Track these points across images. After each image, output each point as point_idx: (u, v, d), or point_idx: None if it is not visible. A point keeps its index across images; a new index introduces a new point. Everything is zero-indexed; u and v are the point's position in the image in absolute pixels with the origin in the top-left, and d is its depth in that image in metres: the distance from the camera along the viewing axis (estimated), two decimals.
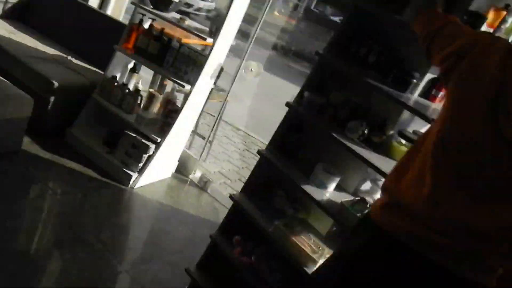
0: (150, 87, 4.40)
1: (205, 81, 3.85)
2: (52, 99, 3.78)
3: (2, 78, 3.47)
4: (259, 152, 2.85)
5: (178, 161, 4.34)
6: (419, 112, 2.34)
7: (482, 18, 2.37)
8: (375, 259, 1.72)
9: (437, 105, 2.62)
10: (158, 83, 4.52)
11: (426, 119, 2.31)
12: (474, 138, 1.54)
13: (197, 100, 3.95)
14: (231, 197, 2.91)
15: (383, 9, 2.54)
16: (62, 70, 3.99)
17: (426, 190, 1.59)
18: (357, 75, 2.58)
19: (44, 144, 3.84)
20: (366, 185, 2.82)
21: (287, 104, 2.77)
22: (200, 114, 4.28)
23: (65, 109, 3.96)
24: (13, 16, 4.76)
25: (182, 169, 4.43)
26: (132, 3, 3.95)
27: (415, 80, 2.53)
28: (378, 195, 2.72)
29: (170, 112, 3.92)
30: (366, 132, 2.60)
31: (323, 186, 2.70)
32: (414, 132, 2.68)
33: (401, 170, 1.75)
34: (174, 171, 4.35)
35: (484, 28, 2.48)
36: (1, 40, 4.08)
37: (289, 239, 2.68)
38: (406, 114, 2.62)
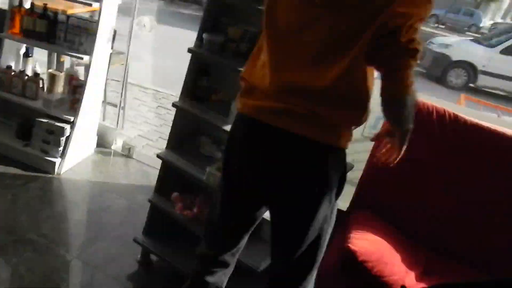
0: (49, 68, 4.22)
1: (102, 47, 3.71)
2: None
3: None
4: (173, 104, 2.80)
5: (97, 135, 4.23)
6: None
7: None
8: (240, 142, 1.83)
9: None
10: (55, 62, 4.33)
11: None
12: (291, 6, 1.63)
13: (99, 69, 3.82)
14: (158, 156, 2.87)
15: None
16: None
17: (266, 66, 1.70)
18: (245, 2, 2.55)
19: None
20: None
21: (189, 50, 2.72)
22: (106, 82, 4.14)
23: None
24: None
25: (102, 142, 4.34)
26: None
27: None
28: None
29: (76, 88, 3.79)
30: None
31: None
32: None
33: (254, 57, 1.83)
34: (95, 147, 4.25)
35: None
36: None
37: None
38: None
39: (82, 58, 3.60)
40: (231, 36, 2.71)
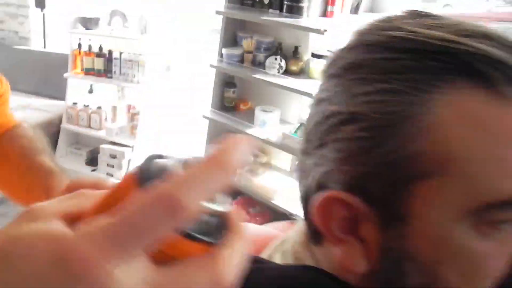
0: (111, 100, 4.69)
1: (154, 75, 4.12)
2: None
3: None
4: (205, 117, 3.11)
5: None
6: (309, 28, 2.59)
7: None
8: None
9: (332, 19, 2.87)
10: (119, 94, 4.80)
11: (319, 31, 2.56)
12: None
13: (154, 97, 4.22)
14: None
15: None
16: (27, 113, 4.28)
17: None
18: (255, 18, 2.84)
19: None
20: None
21: (211, 65, 3.03)
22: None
23: None
24: None
25: None
26: (70, 31, 4.23)
27: (305, 4, 2.77)
28: None
29: (134, 116, 4.20)
30: (282, 64, 2.85)
31: (265, 125, 2.96)
32: (328, 50, 2.92)
33: None
34: None
35: None
36: None
37: (253, 182, 2.95)
38: (313, 36, 2.86)
39: (135, 88, 4.02)
40: (246, 48, 3.00)
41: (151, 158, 0.31)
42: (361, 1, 3.09)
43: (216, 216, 0.30)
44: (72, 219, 0.29)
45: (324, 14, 2.89)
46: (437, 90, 0.44)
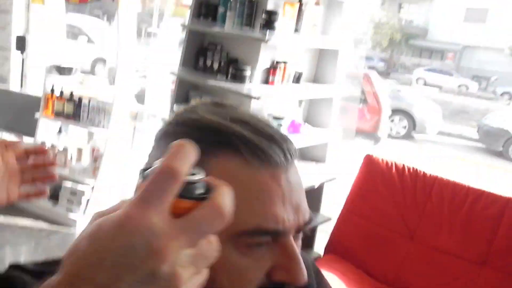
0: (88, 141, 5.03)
1: (118, 123, 4.48)
2: None
3: None
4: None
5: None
6: (245, 94, 3.01)
7: (276, 14, 3.06)
8: None
9: (273, 87, 3.29)
10: (87, 137, 5.15)
11: (254, 97, 2.98)
12: None
13: (119, 141, 4.58)
14: None
15: (205, 26, 3.24)
16: None
17: None
18: (203, 81, 3.25)
19: None
20: None
21: (162, 119, 3.40)
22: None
23: None
24: None
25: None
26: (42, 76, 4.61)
27: (248, 73, 3.19)
28: None
29: (97, 158, 4.55)
30: None
31: None
32: (268, 114, 3.33)
33: None
34: None
35: (288, 19, 3.18)
36: None
37: None
38: (254, 101, 3.25)
39: (99, 133, 4.37)
40: None
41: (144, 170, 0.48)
42: (301, 73, 3.53)
43: (199, 181, 0.44)
44: None
45: (266, 82, 3.31)
46: (211, 156, 0.63)
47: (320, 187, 3.69)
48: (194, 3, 3.37)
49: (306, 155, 3.81)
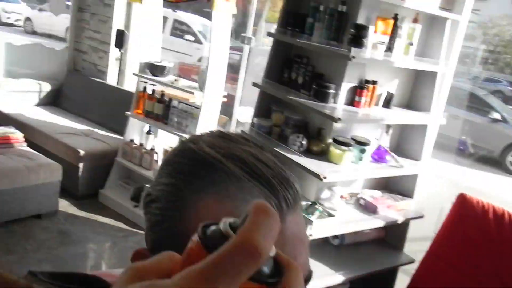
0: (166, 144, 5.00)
1: (204, 130, 4.38)
2: (81, 165, 4.47)
3: (34, 151, 4.21)
4: None
5: None
6: (325, 114, 2.74)
7: (365, 29, 2.77)
8: None
9: (361, 110, 3.00)
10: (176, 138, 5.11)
11: (332, 118, 2.72)
12: None
13: None
14: None
15: (296, 39, 3.01)
16: (88, 141, 4.70)
17: None
18: (284, 96, 3.03)
19: (79, 205, 4.50)
20: (326, 193, 3.18)
21: (242, 132, 3.23)
22: None
23: (94, 173, 4.63)
24: (47, 102, 5.64)
25: None
26: (134, 74, 4.62)
27: (332, 91, 2.93)
28: (335, 201, 3.09)
29: None
30: (304, 143, 3.00)
31: None
32: (352, 137, 3.04)
33: None
34: None
35: (378, 35, 2.88)
36: (36, 122, 4.94)
37: None
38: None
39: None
40: (275, 122, 3.19)
41: (204, 227, 0.39)
42: (393, 95, 3.20)
43: (269, 259, 0.37)
44: (165, 276, 0.36)
45: (351, 102, 3.03)
46: (202, 194, 0.61)
47: (405, 224, 3.34)
48: (282, 12, 3.17)
49: (391, 186, 3.48)
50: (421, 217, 3.32)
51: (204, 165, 0.62)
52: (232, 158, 0.62)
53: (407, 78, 3.31)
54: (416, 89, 3.35)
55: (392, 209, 3.26)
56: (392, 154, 3.18)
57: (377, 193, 3.38)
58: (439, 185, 4.95)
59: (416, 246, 3.50)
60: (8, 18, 18.61)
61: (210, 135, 0.68)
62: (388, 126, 3.20)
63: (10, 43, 6.16)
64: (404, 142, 3.41)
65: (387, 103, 3.20)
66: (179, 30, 12.13)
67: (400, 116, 3.20)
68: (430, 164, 3.44)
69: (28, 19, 17.80)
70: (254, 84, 3.20)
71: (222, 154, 0.62)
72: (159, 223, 0.64)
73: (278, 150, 2.98)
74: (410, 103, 3.37)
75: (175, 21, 12.24)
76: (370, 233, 3.40)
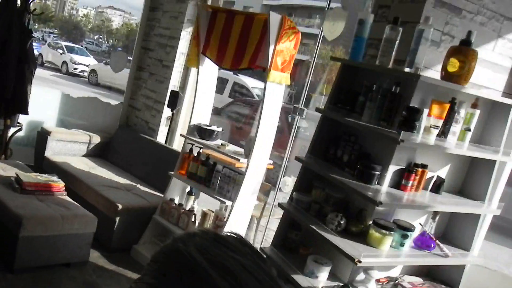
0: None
1: (245, 197, 4.31)
2: (117, 219, 4.45)
3: (73, 201, 4.23)
4: (261, 249, 3.20)
5: None
6: (367, 197, 2.63)
7: (418, 113, 2.69)
8: None
9: (407, 194, 2.88)
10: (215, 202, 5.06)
11: (374, 202, 2.60)
12: None
13: (241, 215, 4.40)
14: None
15: (344, 117, 2.95)
16: (128, 196, 4.70)
17: None
18: (326, 173, 2.95)
19: (110, 258, 4.44)
20: (361, 275, 3.03)
21: (279, 205, 3.15)
22: (250, 227, 4.70)
23: (130, 228, 4.60)
24: (95, 154, 5.72)
25: None
26: (181, 135, 4.65)
27: (377, 172, 2.83)
28: (370, 285, 2.94)
29: (217, 227, 4.40)
30: (342, 222, 2.89)
31: (313, 275, 2.97)
32: (394, 221, 2.91)
33: None
34: None
35: (432, 119, 2.79)
36: (80, 173, 5.00)
37: None
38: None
39: (225, 203, 4.23)
40: (314, 198, 3.09)
41: None
42: (443, 181, 3.07)
43: None
44: None
45: (398, 185, 2.92)
46: None
47: None
48: (334, 87, 3.14)
49: (434, 274, 3.29)
50: None
51: (188, 271, 0.59)
52: (219, 267, 0.59)
53: (461, 164, 3.17)
54: (470, 175, 3.20)
55: None
56: (437, 242, 3.01)
57: (418, 280, 3.20)
58: (490, 278, 4.66)
59: None
60: (75, 69, 19.51)
61: (203, 236, 0.66)
62: (436, 213, 3.05)
63: (68, 94, 6.36)
64: (452, 229, 3.24)
65: (436, 188, 3.06)
66: (239, 92, 12.37)
67: (450, 204, 3.05)
68: (481, 256, 3.23)
69: (93, 71, 18.61)
70: (297, 159, 3.14)
71: (209, 262, 0.59)
72: None
73: (314, 228, 2.88)
74: (463, 190, 3.22)
75: (235, 83, 12.50)
76: None
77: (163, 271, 0.62)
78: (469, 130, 2.98)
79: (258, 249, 3.34)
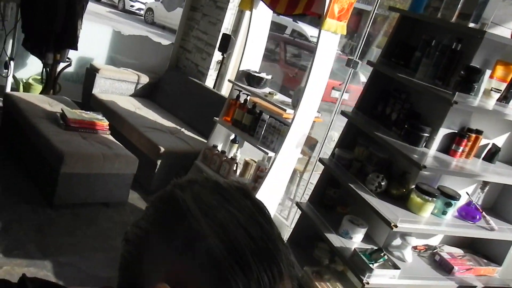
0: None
1: (289, 150, 4.18)
2: (159, 162, 4.42)
3: (116, 141, 4.20)
4: (297, 205, 3.09)
5: None
6: (410, 159, 2.45)
7: (479, 73, 2.46)
8: None
9: (457, 160, 2.68)
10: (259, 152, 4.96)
11: (417, 165, 2.42)
12: None
13: (283, 168, 4.28)
14: None
15: (397, 73, 2.74)
16: (172, 139, 4.65)
17: None
18: (371, 131, 2.77)
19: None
20: (397, 241, 2.88)
21: (320, 160, 3.01)
22: (293, 181, 4.59)
23: (171, 172, 4.56)
24: (142, 94, 5.67)
25: None
26: (229, 80, 4.52)
27: (426, 134, 2.63)
28: (406, 252, 2.79)
29: (258, 178, 4.30)
30: (383, 184, 2.73)
31: (348, 236, 2.85)
32: (438, 188, 2.73)
33: None
34: None
35: (495, 81, 2.55)
36: (126, 112, 4.95)
37: (313, 285, 2.84)
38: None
39: (267, 154, 4.12)
40: (357, 156, 2.93)
41: None
42: (499, 150, 2.84)
43: None
44: None
45: (447, 151, 2.72)
46: (174, 253, 0.56)
47: None
48: (389, 40, 2.92)
49: (476, 247, 3.11)
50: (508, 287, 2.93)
51: (180, 219, 0.58)
52: (210, 218, 0.57)
53: None
54: None
55: (471, 273, 2.90)
56: (484, 214, 2.82)
57: (458, 251, 3.04)
58: None
59: None
60: (132, 6, 19.44)
61: (203, 184, 0.63)
62: (486, 183, 2.83)
63: (119, 32, 6.27)
64: (503, 202, 3.03)
65: (490, 157, 2.84)
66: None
67: (504, 175, 2.82)
68: None
69: (150, 9, 18.48)
70: (343, 113, 2.97)
71: (202, 211, 0.58)
72: (123, 267, 0.63)
73: (352, 187, 2.73)
74: None
75: (294, 31, 12.18)
76: None
77: (157, 218, 0.61)
78: None
79: (294, 204, 3.24)
